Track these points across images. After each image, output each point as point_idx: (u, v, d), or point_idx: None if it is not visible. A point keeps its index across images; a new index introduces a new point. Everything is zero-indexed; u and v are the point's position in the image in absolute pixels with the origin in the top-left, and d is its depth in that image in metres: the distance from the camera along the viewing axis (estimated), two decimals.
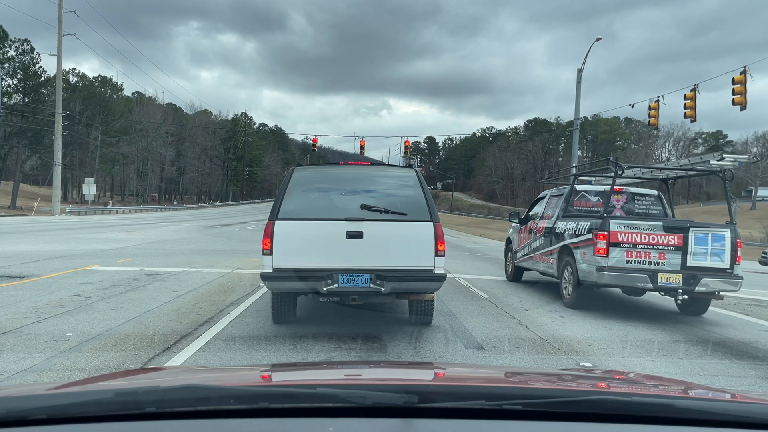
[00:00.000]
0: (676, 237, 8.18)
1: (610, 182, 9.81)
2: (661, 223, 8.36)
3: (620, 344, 6.60)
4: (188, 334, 6.13)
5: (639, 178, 11.56)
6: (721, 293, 8.42)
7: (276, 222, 6.22)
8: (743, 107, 19.96)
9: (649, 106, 25.33)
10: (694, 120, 22.52)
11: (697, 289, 8.06)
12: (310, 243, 6.27)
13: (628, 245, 8.15)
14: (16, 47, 57.05)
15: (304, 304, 8.07)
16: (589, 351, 6.20)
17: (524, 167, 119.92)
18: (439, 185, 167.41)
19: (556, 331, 7.08)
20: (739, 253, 8.32)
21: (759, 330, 8.16)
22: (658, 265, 8.13)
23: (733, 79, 20.07)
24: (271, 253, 6.15)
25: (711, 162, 9.66)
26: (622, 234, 8.17)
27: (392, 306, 7.98)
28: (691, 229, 8.25)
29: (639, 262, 8.14)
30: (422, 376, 2.09)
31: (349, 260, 6.18)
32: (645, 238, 8.17)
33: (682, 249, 8.16)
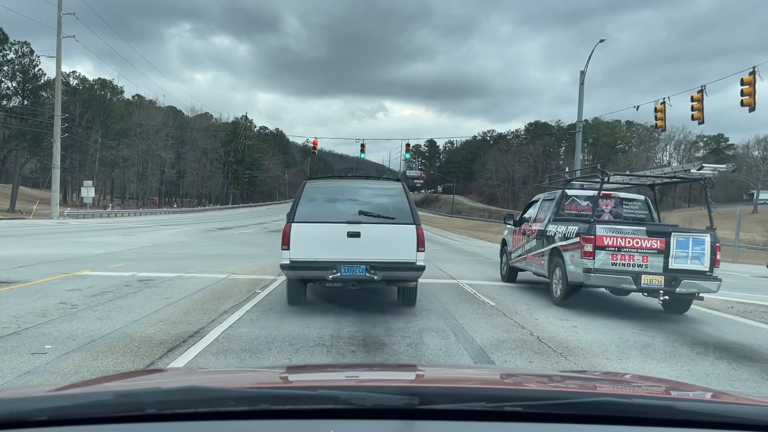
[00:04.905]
0: (658, 241, 8.51)
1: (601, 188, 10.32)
2: (644, 228, 8.69)
3: (623, 346, 6.19)
4: (176, 347, 5.71)
5: (626, 184, 11.99)
6: (701, 294, 8.73)
7: (293, 224, 7.66)
8: (752, 108, 19.55)
9: (655, 108, 24.95)
10: (701, 122, 22.08)
11: (678, 290, 8.41)
12: (319, 241, 7.68)
13: (613, 248, 8.51)
14: (15, 50, 56.82)
15: (304, 309, 7.69)
16: (599, 356, 5.79)
17: (525, 170, 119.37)
18: (439, 188, 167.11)
19: (570, 344, 6.65)
20: (718, 257, 8.65)
21: (761, 333, 8.07)
22: (642, 267, 8.48)
23: (742, 80, 19.66)
24: (288, 249, 7.59)
25: (692, 171, 10.03)
26: (608, 238, 8.53)
27: (393, 315, 7.70)
28: (673, 233, 8.57)
29: (623, 265, 8.50)
30: (423, 378, 2.08)
31: (349, 254, 7.58)
32: (629, 242, 8.52)
33: (665, 252, 8.48)
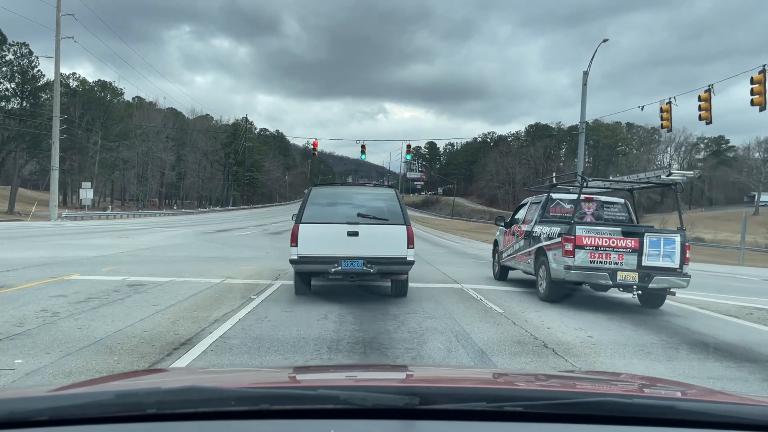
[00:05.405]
0: (633, 241, 9.07)
1: (587, 192, 11.14)
2: (620, 229, 9.33)
3: (646, 359, 5.70)
4: (159, 361, 5.23)
5: (606, 188, 12.62)
6: (672, 289, 9.26)
7: (300, 225, 8.72)
8: (762, 107, 19.06)
9: (661, 108, 24.47)
10: (709, 122, 21.58)
11: (650, 285, 8.96)
12: (322, 239, 8.71)
13: (591, 247, 9.08)
14: (14, 51, 56.40)
15: (300, 316, 7.22)
16: (621, 370, 5.31)
17: (526, 172, 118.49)
18: (440, 190, 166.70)
19: (588, 356, 6.15)
20: (687, 255, 9.19)
21: (762, 334, 7.92)
22: (618, 264, 9.05)
23: (752, 78, 19.18)
24: (296, 246, 8.62)
25: (662, 177, 10.63)
26: (587, 238, 9.11)
27: (394, 323, 7.22)
28: (646, 234, 9.17)
29: (601, 262, 9.08)
30: (423, 378, 2.07)
31: (349, 251, 8.57)
32: (606, 242, 9.10)
33: (638, 251, 9.04)
